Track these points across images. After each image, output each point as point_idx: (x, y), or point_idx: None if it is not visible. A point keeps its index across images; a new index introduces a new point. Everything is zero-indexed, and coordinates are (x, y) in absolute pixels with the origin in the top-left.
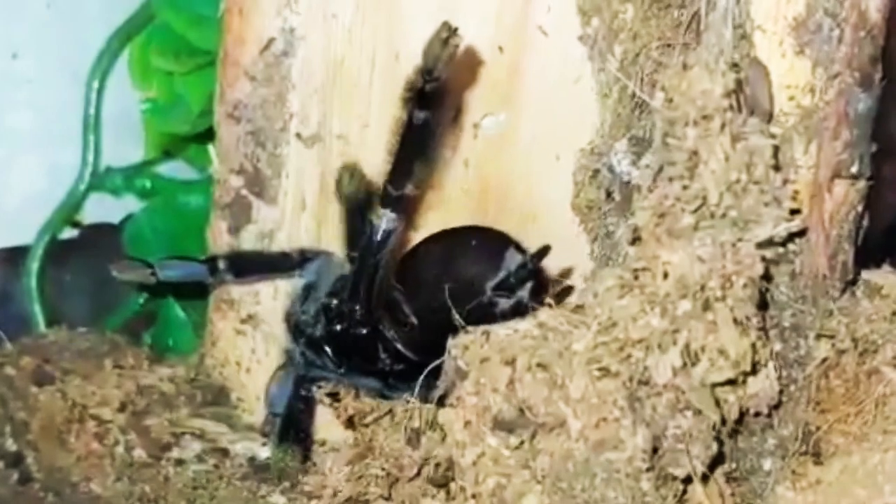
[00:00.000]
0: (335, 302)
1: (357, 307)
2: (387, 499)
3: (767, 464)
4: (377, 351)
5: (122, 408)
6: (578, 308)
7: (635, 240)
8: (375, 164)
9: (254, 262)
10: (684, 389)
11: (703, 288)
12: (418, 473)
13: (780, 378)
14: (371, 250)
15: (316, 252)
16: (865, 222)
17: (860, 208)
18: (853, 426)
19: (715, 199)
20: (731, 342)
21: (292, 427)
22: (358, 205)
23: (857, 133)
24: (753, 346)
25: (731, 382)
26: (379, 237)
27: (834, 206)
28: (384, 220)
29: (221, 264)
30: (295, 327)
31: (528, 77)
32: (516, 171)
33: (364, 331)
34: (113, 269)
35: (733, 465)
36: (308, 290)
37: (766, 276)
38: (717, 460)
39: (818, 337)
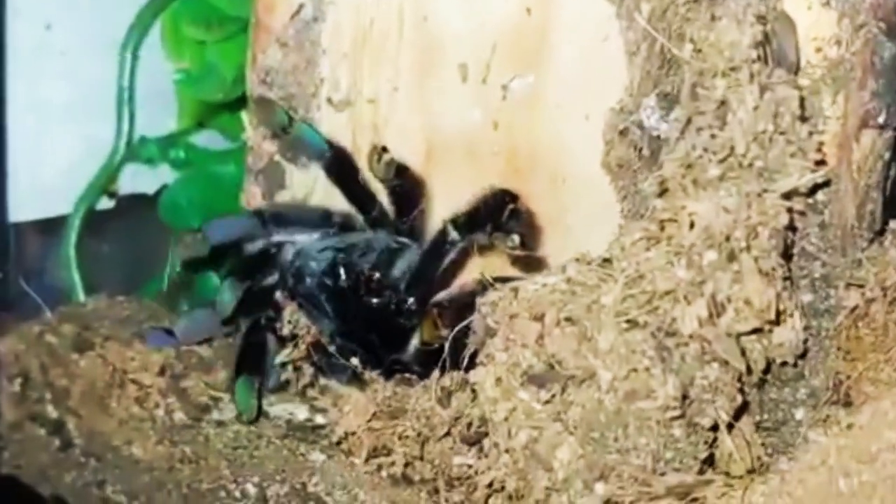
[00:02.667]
0: (378, 276)
1: (409, 298)
2: (419, 458)
3: (799, 413)
4: (397, 335)
5: (161, 372)
6: (605, 262)
7: (662, 192)
8: (405, 126)
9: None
10: (710, 340)
11: (728, 238)
12: (448, 433)
13: (808, 328)
14: (438, 254)
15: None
16: (893, 171)
17: (888, 157)
18: (882, 374)
19: (742, 149)
20: (756, 292)
21: (249, 356)
22: (394, 182)
23: (883, 83)
24: (778, 295)
25: (756, 332)
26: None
27: (862, 155)
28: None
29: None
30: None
31: (556, 38)
32: (546, 132)
33: (402, 320)
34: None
35: (765, 416)
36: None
37: (791, 227)
38: (743, 410)
39: (847, 286)
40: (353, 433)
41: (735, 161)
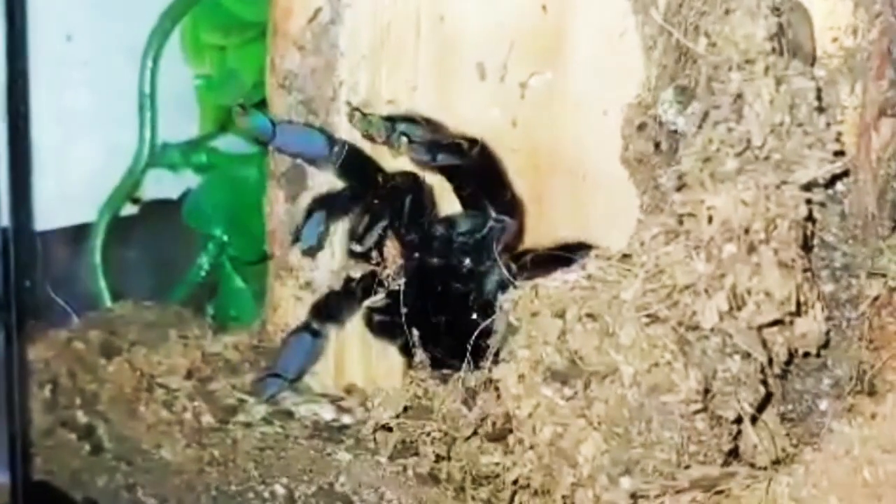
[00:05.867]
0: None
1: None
2: (446, 459)
3: (824, 404)
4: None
5: (188, 376)
6: (625, 257)
7: (680, 186)
8: None
9: None
10: (731, 332)
11: (747, 231)
12: (475, 433)
13: (831, 318)
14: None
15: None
16: None
17: None
18: None
19: (759, 142)
20: (776, 284)
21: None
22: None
23: None
24: (799, 286)
25: (778, 323)
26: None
27: (881, 144)
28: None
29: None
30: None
31: (573, 35)
32: (564, 129)
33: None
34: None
35: (789, 407)
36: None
37: (811, 218)
38: (767, 402)
39: (869, 276)
40: (384, 426)
41: (752, 154)
